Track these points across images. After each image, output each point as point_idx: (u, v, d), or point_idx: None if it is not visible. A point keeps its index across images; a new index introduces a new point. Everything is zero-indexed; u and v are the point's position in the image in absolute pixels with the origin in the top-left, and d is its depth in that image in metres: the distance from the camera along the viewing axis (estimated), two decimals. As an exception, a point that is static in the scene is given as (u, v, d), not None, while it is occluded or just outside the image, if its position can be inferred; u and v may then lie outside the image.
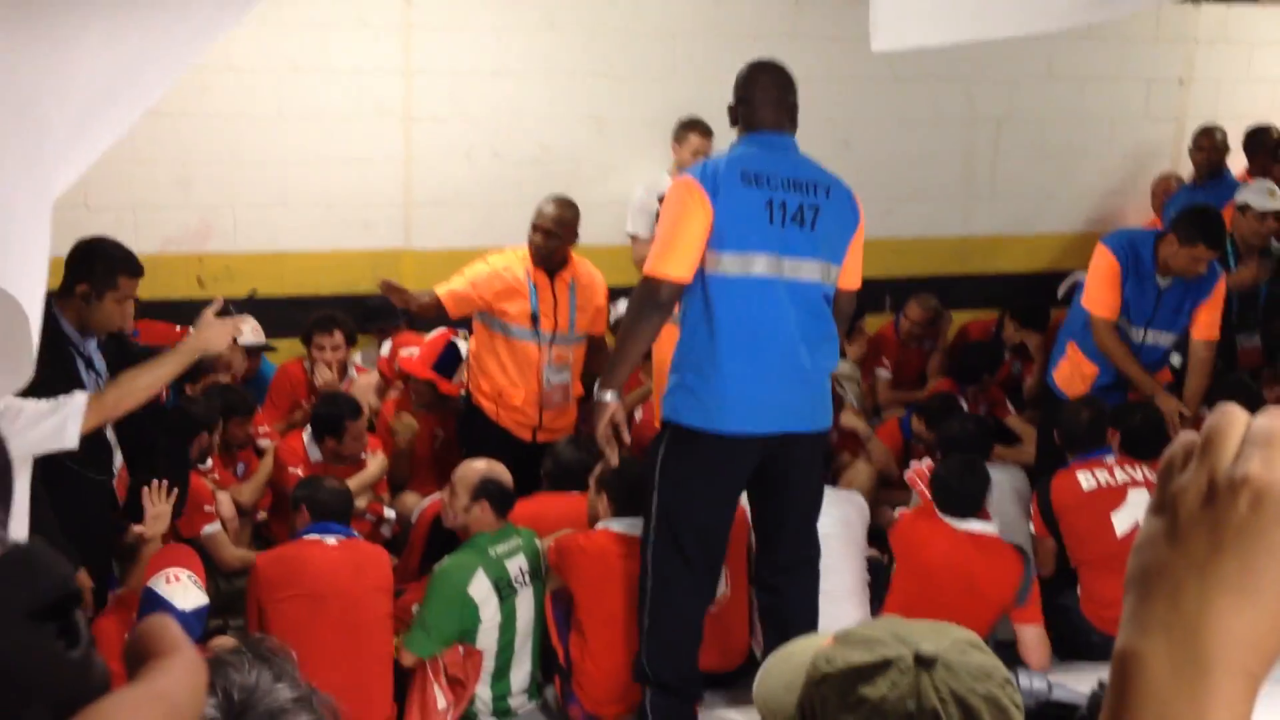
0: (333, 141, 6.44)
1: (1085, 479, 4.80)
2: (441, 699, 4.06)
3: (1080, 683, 4.23)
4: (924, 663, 1.28)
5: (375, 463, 5.19)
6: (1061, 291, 7.01)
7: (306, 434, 5.26)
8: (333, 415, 5.12)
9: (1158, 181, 7.49)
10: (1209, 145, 7.11)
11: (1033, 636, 4.52)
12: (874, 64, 6.62)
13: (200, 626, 3.93)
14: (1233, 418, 0.74)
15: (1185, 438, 0.76)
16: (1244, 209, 6.13)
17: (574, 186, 6.80)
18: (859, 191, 6.77)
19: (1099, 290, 5.28)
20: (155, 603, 3.85)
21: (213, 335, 3.57)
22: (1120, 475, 4.81)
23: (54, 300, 3.82)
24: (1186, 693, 0.71)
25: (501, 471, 4.39)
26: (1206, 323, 5.30)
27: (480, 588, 4.17)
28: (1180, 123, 7.79)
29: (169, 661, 0.57)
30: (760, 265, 3.74)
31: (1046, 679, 1.41)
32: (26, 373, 1.26)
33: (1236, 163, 7.26)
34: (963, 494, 4.52)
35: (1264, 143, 7.11)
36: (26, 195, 1.37)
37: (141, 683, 0.55)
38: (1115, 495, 4.76)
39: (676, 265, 3.73)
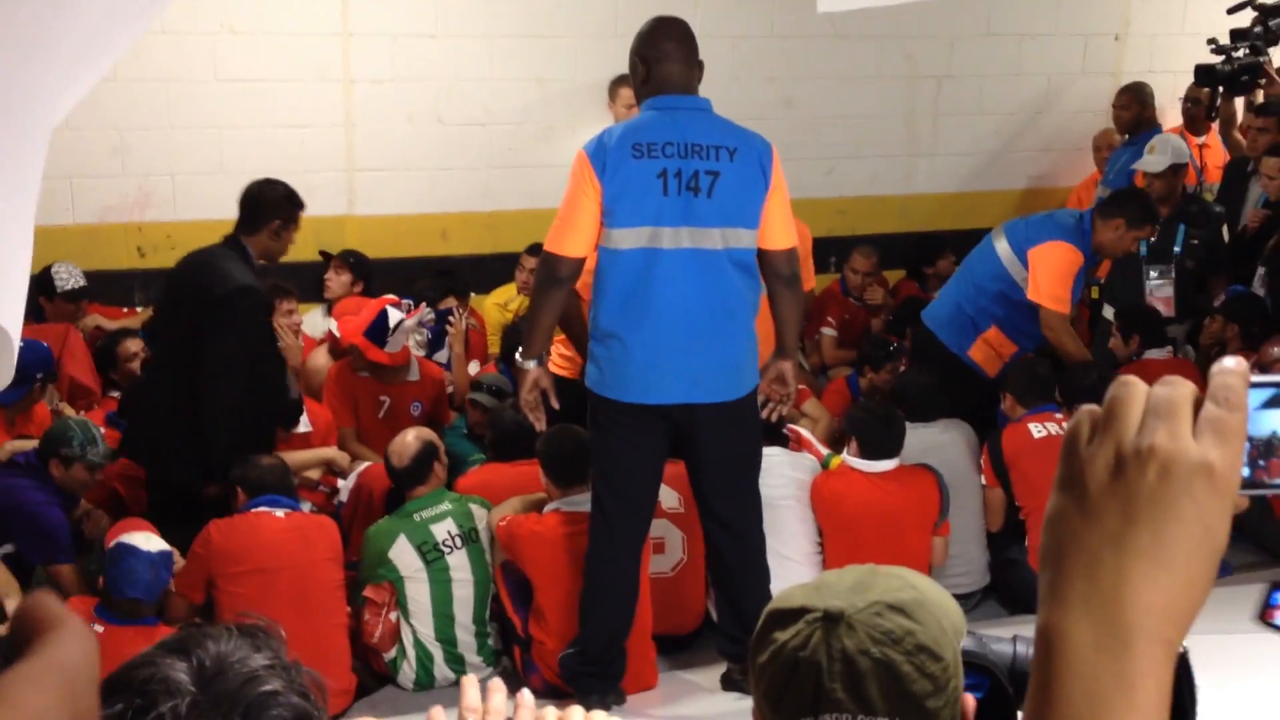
0: (271, 106, 6.36)
1: (1036, 429, 4.90)
2: (366, 613, 4.36)
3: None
4: (829, 619, 1.32)
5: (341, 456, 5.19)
6: None
7: None
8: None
9: (1099, 135, 7.56)
10: (1123, 102, 7.17)
11: (940, 545, 4.71)
12: (815, 22, 6.63)
13: (168, 572, 3.93)
14: (1133, 389, 0.76)
15: (1086, 411, 0.78)
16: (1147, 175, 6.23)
17: (517, 149, 6.81)
18: (800, 150, 6.89)
19: (1061, 286, 5.25)
20: (122, 551, 3.87)
21: None
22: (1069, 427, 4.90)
23: (241, 239, 4.63)
24: (1111, 665, 0.72)
25: (398, 449, 4.49)
26: None
27: (401, 551, 4.32)
28: (1117, 77, 7.86)
29: (56, 634, 0.58)
30: (653, 237, 3.72)
31: (1028, 643, 1.42)
32: (4, 378, 1.19)
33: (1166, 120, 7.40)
34: (887, 438, 4.64)
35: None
36: (20, 150, 1.26)
37: (33, 657, 0.57)
38: (1065, 444, 4.85)
39: (571, 243, 3.81)
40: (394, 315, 5.43)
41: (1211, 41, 6.70)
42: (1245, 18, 6.74)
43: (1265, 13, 6.68)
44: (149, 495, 4.81)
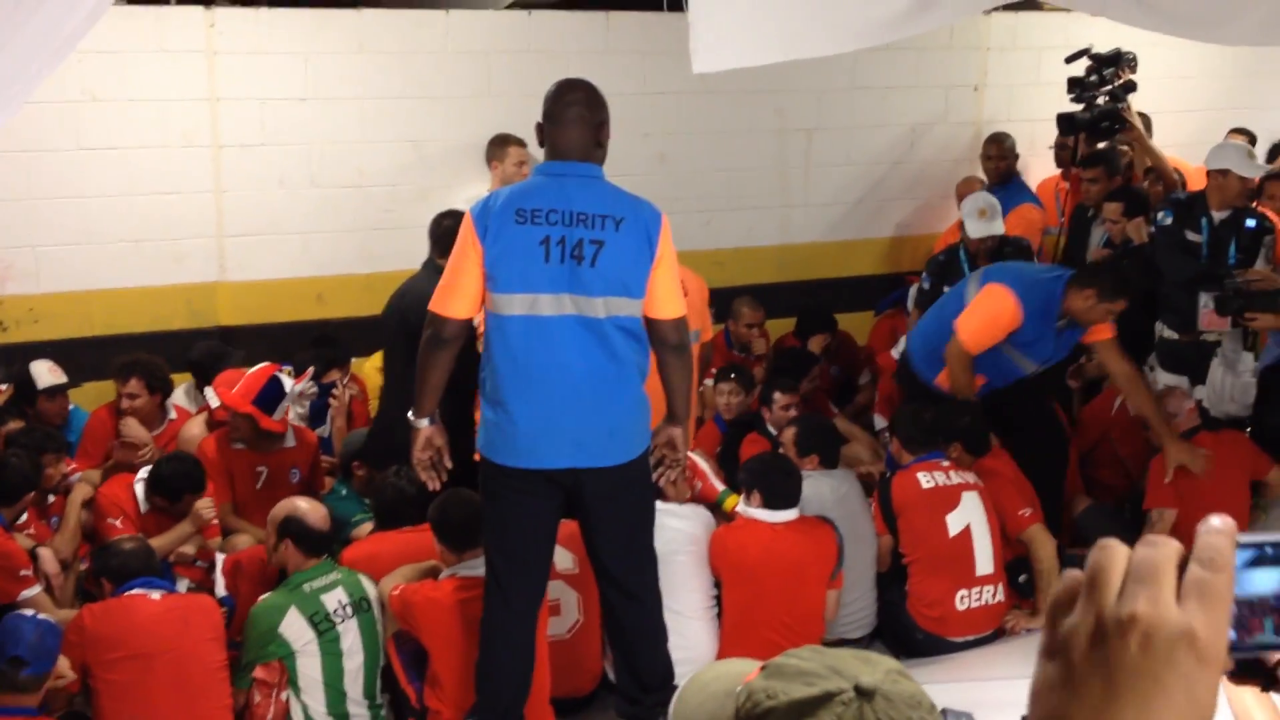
0: (137, 174, 6.21)
1: (925, 478, 4.98)
2: (257, 694, 4.23)
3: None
4: (864, 694, 1.32)
5: (205, 509, 5.00)
6: (911, 302, 7.09)
7: (139, 484, 5.02)
8: (175, 482, 4.93)
9: (962, 184, 7.81)
10: (997, 153, 7.49)
11: (833, 598, 4.74)
12: (687, 78, 6.65)
13: (55, 642, 3.77)
14: (1114, 553, 0.74)
15: (1070, 576, 0.76)
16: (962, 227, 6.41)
17: (394, 210, 6.76)
18: (677, 204, 6.95)
19: (987, 331, 5.26)
20: (11, 617, 3.77)
21: None
22: (955, 477, 5.01)
23: (437, 262, 4.86)
24: None
25: (310, 510, 4.44)
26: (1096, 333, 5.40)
27: (292, 625, 4.22)
28: (977, 127, 8.13)
29: None
30: (535, 304, 3.70)
31: (971, 716, 1.44)
32: None
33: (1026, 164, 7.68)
34: (788, 488, 4.68)
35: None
36: None
37: None
38: (951, 496, 4.95)
39: (456, 304, 3.79)
40: (286, 382, 5.35)
41: (1071, 90, 6.99)
42: (1081, 66, 7.07)
43: (1100, 62, 7.00)
44: None
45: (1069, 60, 7.12)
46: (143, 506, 5.01)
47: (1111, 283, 5.24)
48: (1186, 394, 5.69)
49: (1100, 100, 6.92)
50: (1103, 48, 7.09)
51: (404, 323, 5.03)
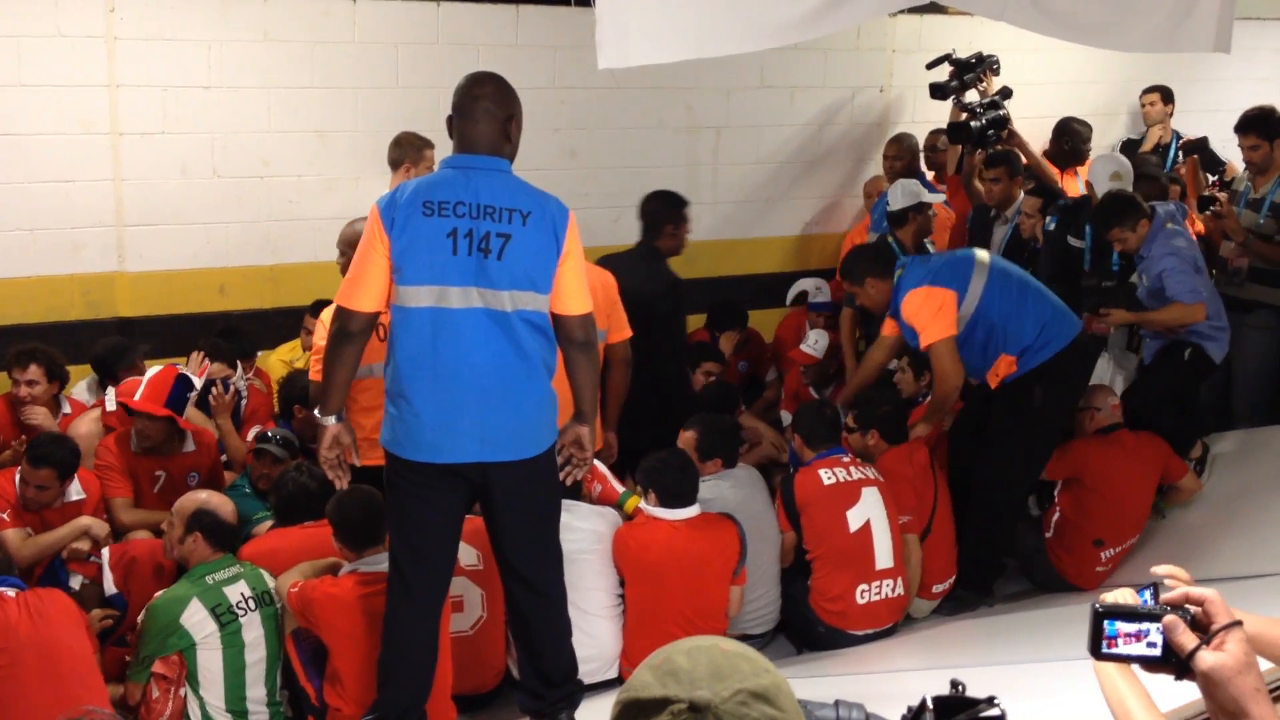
0: (33, 161, 6.06)
1: (826, 475, 5.05)
2: (155, 690, 4.19)
3: (813, 673, 4.46)
4: (696, 710, 1.31)
5: (98, 530, 4.92)
6: (790, 297, 7.18)
7: (18, 475, 4.93)
8: (42, 450, 4.85)
9: (869, 183, 7.92)
10: (894, 153, 7.60)
11: (736, 594, 4.78)
12: (596, 74, 6.65)
13: None
14: None
15: None
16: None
17: (299, 201, 6.68)
18: (586, 200, 6.96)
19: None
20: None
21: None
22: (856, 473, 5.08)
23: (651, 241, 5.78)
24: None
25: (221, 504, 4.41)
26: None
27: (194, 616, 4.19)
28: (882, 128, 8.25)
29: None
30: (443, 296, 3.67)
31: (864, 709, 1.46)
32: None
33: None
34: (683, 486, 4.71)
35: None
36: None
37: None
38: (851, 492, 5.02)
39: (361, 297, 3.74)
40: (195, 382, 5.31)
41: (934, 95, 7.10)
42: (944, 72, 7.21)
43: (960, 68, 7.14)
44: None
45: (930, 66, 7.25)
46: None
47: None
48: (1111, 391, 5.83)
49: (980, 108, 7.06)
50: (1004, 51, 7.24)
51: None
